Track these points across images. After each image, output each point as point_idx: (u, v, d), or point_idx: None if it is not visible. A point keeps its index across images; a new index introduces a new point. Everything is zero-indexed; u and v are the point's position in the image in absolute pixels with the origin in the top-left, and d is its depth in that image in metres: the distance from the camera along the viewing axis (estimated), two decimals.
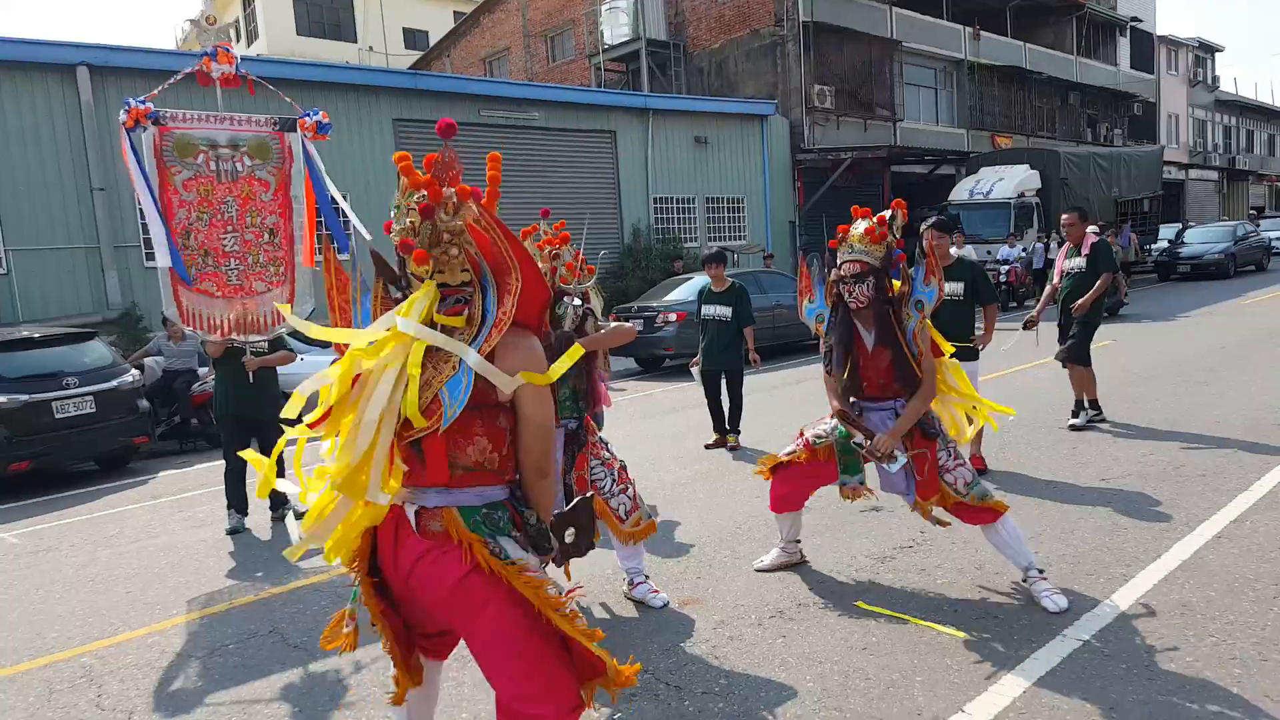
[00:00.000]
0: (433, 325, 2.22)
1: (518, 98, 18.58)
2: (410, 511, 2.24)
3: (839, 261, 4.18)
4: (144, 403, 9.37)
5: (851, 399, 4.33)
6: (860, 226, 4.17)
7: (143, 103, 5.65)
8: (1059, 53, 32.64)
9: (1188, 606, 3.90)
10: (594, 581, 4.77)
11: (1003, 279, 19.01)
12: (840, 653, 3.73)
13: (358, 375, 2.23)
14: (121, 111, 5.63)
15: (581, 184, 19.35)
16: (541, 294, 2.26)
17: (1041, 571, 4.17)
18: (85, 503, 7.85)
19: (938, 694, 3.33)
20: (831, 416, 4.34)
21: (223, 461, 6.50)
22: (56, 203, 13.02)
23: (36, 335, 9.10)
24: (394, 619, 2.41)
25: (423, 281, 2.25)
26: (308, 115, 6.11)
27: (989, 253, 19.53)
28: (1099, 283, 7.39)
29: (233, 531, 6.30)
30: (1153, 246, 25.62)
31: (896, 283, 4.23)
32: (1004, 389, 9.35)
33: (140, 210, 5.82)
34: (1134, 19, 36.42)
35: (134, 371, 9.46)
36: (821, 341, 4.39)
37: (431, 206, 2.18)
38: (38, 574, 5.76)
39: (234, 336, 6.04)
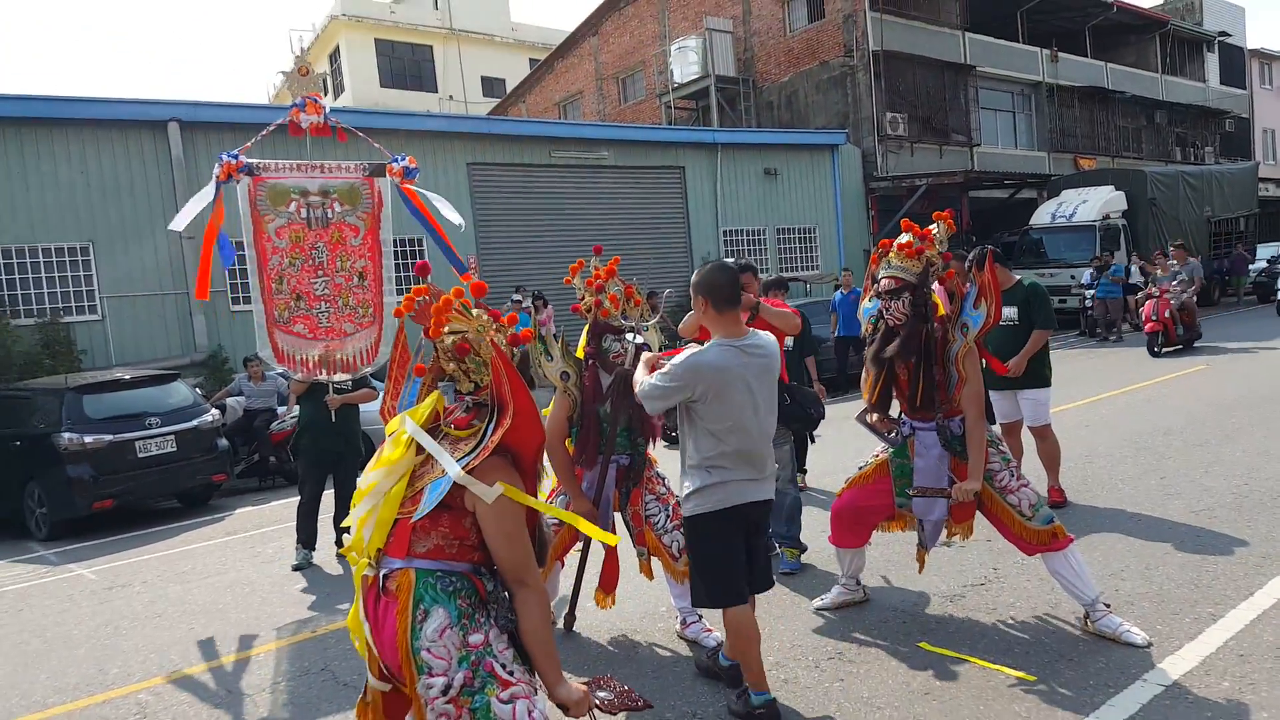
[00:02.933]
0: (435, 429, 2.62)
1: (588, 138, 18.84)
2: (380, 575, 2.52)
3: (879, 277, 4.09)
4: (223, 441, 9.68)
5: (902, 418, 4.25)
6: (900, 240, 4.07)
7: (235, 157, 5.85)
8: (1143, 71, 31.52)
9: None
10: (646, 620, 4.65)
11: (1088, 304, 18.26)
12: (901, 697, 3.52)
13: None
14: (215, 165, 5.82)
15: (651, 219, 19.45)
16: (536, 437, 2.56)
17: (1108, 605, 3.91)
18: (163, 539, 8.09)
19: None
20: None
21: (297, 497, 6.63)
22: (149, 251, 13.69)
23: (125, 377, 9.51)
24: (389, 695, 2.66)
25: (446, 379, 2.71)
26: (395, 161, 6.24)
27: (1072, 277, 18.79)
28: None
29: (298, 568, 6.37)
30: (1252, 267, 24.30)
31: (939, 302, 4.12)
32: (1088, 416, 8.90)
33: (240, 257, 6.13)
34: (1222, 34, 34.94)
35: (214, 411, 9.79)
36: (868, 342, 4.34)
37: (468, 347, 2.59)
38: (109, 609, 5.92)
39: (318, 375, 6.15)
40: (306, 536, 6.48)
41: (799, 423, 5.22)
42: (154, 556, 7.43)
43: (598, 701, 2.63)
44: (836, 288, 13.79)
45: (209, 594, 6.06)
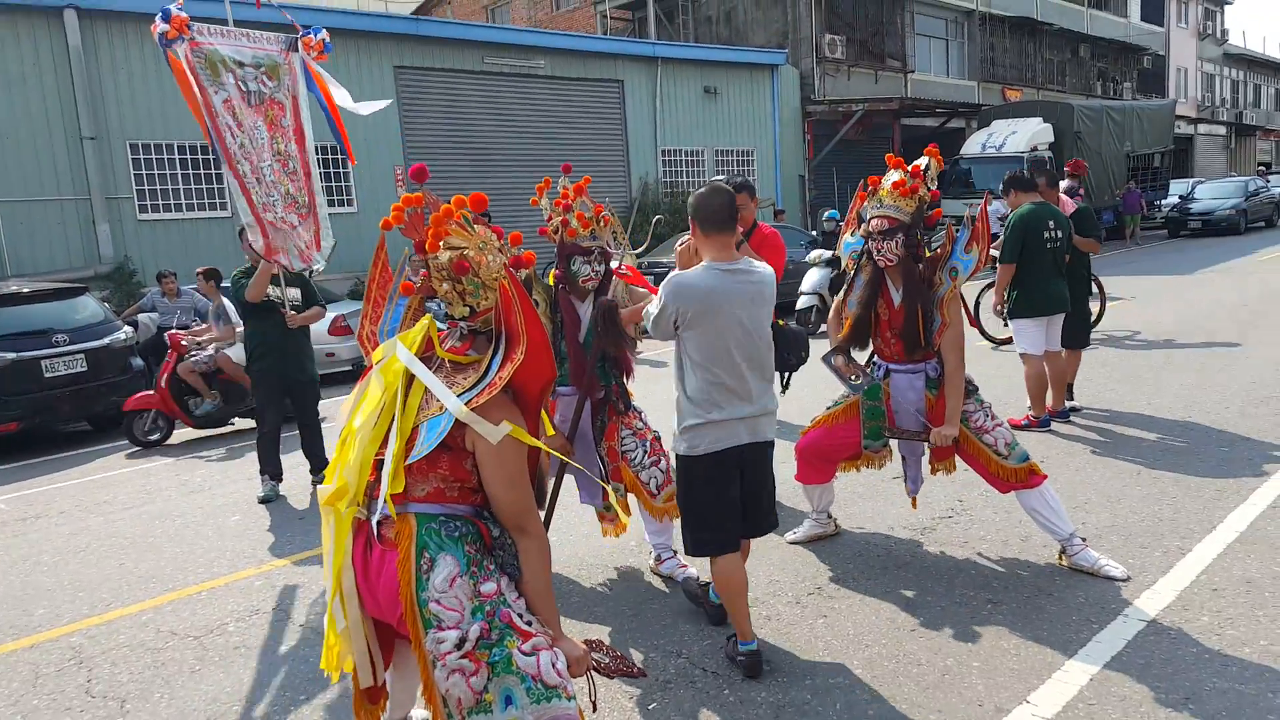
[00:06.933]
0: (428, 358, 2.35)
1: (523, 45, 17.93)
2: (374, 521, 2.30)
3: (868, 217, 3.92)
4: (137, 361, 9.05)
5: (875, 360, 4.17)
6: (890, 178, 3.89)
7: (180, 10, 5.03)
8: (1070, 3, 31.82)
9: (1253, 583, 3.64)
10: (618, 555, 4.51)
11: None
12: (888, 635, 3.48)
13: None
14: (160, 21, 4.98)
15: (588, 135, 18.83)
16: (546, 373, 2.31)
17: (1084, 540, 3.94)
18: (76, 465, 7.58)
19: (998, 682, 3.08)
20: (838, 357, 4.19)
21: (245, 423, 6.21)
22: (45, 152, 12.57)
23: (25, 290, 8.73)
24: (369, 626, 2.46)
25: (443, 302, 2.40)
26: (312, 32, 5.63)
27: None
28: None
29: (265, 500, 5.92)
30: (1162, 202, 25.24)
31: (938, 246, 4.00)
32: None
33: (214, 145, 5.30)
34: None
35: (126, 328, 9.13)
36: (848, 281, 4.20)
37: (468, 265, 2.29)
38: (25, 544, 5.49)
39: (305, 265, 5.67)
40: (272, 468, 6.01)
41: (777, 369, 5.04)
42: (69, 484, 6.94)
43: (594, 662, 2.47)
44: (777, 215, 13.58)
45: (135, 526, 5.67)
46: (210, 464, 7.26)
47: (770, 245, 4.93)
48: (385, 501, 2.24)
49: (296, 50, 5.64)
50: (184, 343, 7.95)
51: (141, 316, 10.46)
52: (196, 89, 5.09)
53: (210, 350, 8.00)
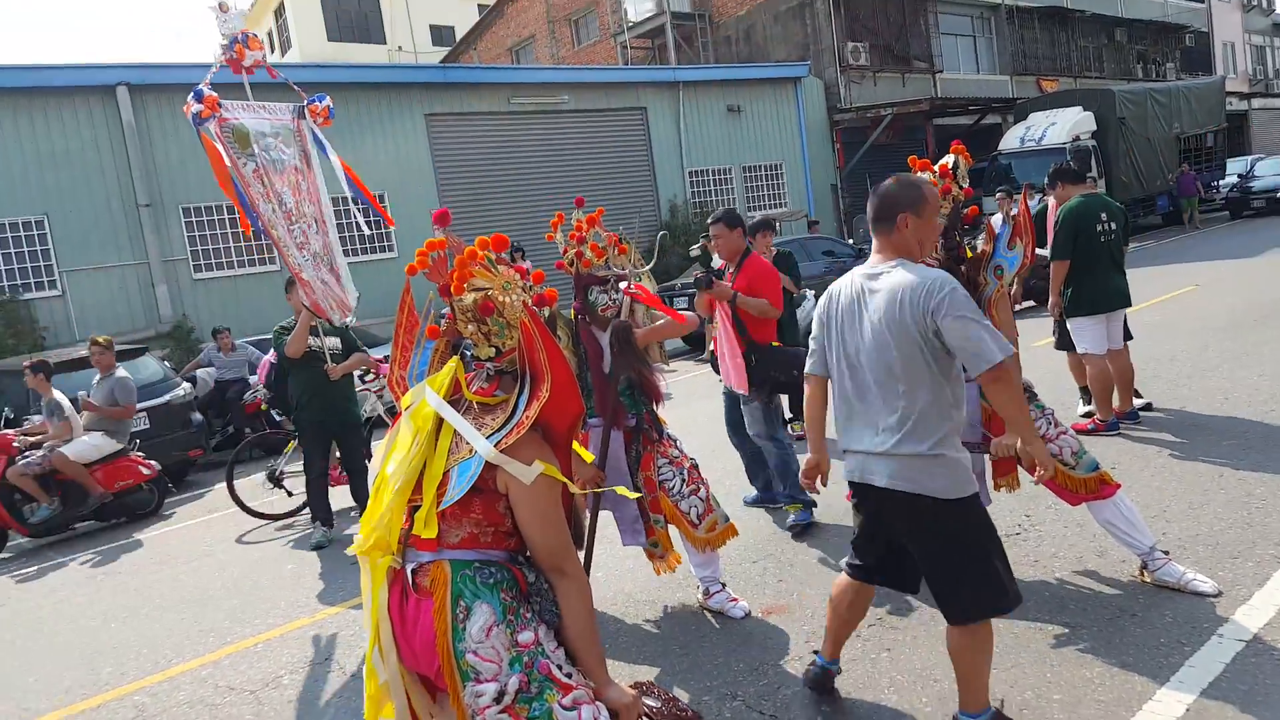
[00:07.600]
0: (456, 401, 2.31)
1: (547, 82, 18.20)
2: (408, 569, 2.24)
3: None
4: (197, 415, 9.35)
5: None
6: None
7: (210, 90, 5.21)
8: None
9: None
10: (665, 590, 4.37)
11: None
12: None
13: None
14: (193, 103, 5.14)
15: (615, 163, 18.94)
16: (574, 409, 2.27)
17: (1166, 553, 3.68)
18: (142, 520, 7.77)
19: (1082, 715, 2.87)
20: None
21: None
22: (105, 221, 13.22)
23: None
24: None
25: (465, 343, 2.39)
26: (317, 100, 5.80)
27: (1040, 201, 18.61)
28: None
29: (318, 547, 6.02)
30: (1220, 183, 24.32)
31: (980, 243, 3.80)
32: None
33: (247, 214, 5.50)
34: None
35: (185, 385, 9.41)
36: None
37: (492, 306, 2.25)
38: (99, 600, 5.66)
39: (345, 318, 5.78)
40: (323, 514, 6.18)
41: (760, 387, 4.76)
42: (136, 538, 7.16)
43: (646, 709, 2.35)
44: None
45: (196, 579, 5.79)
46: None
47: (761, 278, 4.74)
48: (397, 548, 2.22)
49: (304, 118, 5.84)
50: (15, 444, 7.28)
51: (200, 372, 10.80)
52: (229, 162, 5.27)
53: (43, 450, 7.28)
